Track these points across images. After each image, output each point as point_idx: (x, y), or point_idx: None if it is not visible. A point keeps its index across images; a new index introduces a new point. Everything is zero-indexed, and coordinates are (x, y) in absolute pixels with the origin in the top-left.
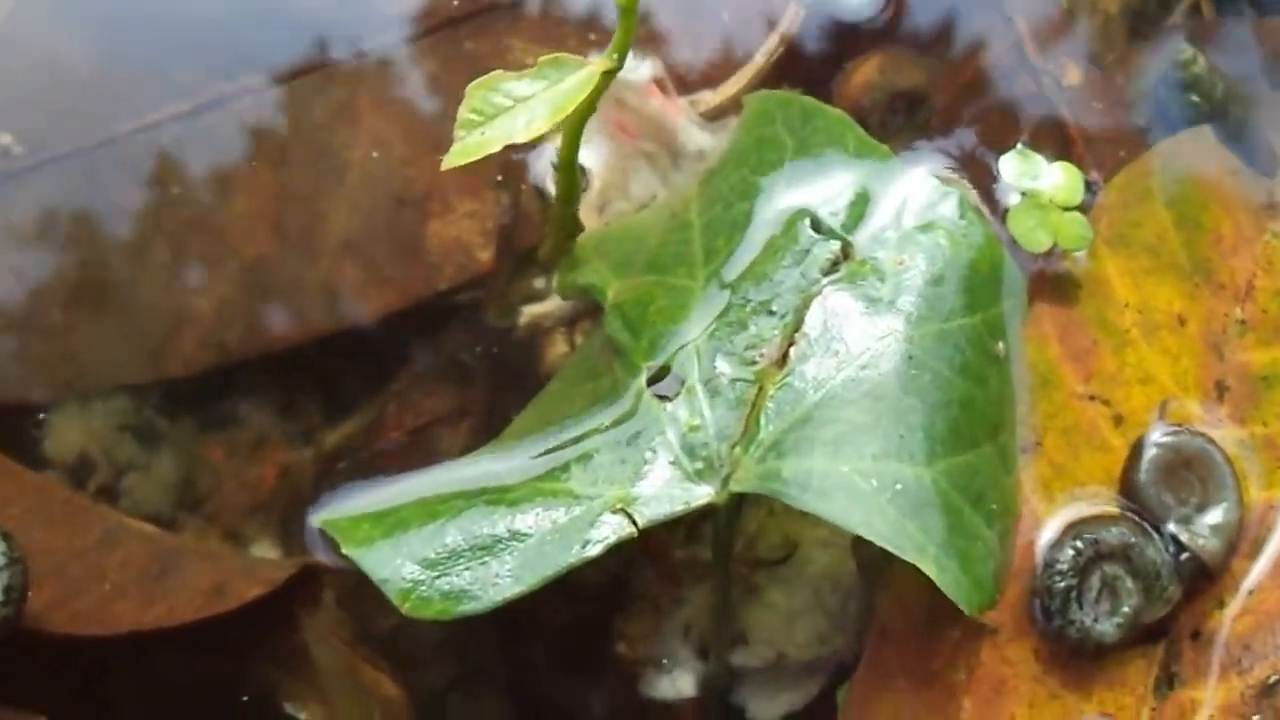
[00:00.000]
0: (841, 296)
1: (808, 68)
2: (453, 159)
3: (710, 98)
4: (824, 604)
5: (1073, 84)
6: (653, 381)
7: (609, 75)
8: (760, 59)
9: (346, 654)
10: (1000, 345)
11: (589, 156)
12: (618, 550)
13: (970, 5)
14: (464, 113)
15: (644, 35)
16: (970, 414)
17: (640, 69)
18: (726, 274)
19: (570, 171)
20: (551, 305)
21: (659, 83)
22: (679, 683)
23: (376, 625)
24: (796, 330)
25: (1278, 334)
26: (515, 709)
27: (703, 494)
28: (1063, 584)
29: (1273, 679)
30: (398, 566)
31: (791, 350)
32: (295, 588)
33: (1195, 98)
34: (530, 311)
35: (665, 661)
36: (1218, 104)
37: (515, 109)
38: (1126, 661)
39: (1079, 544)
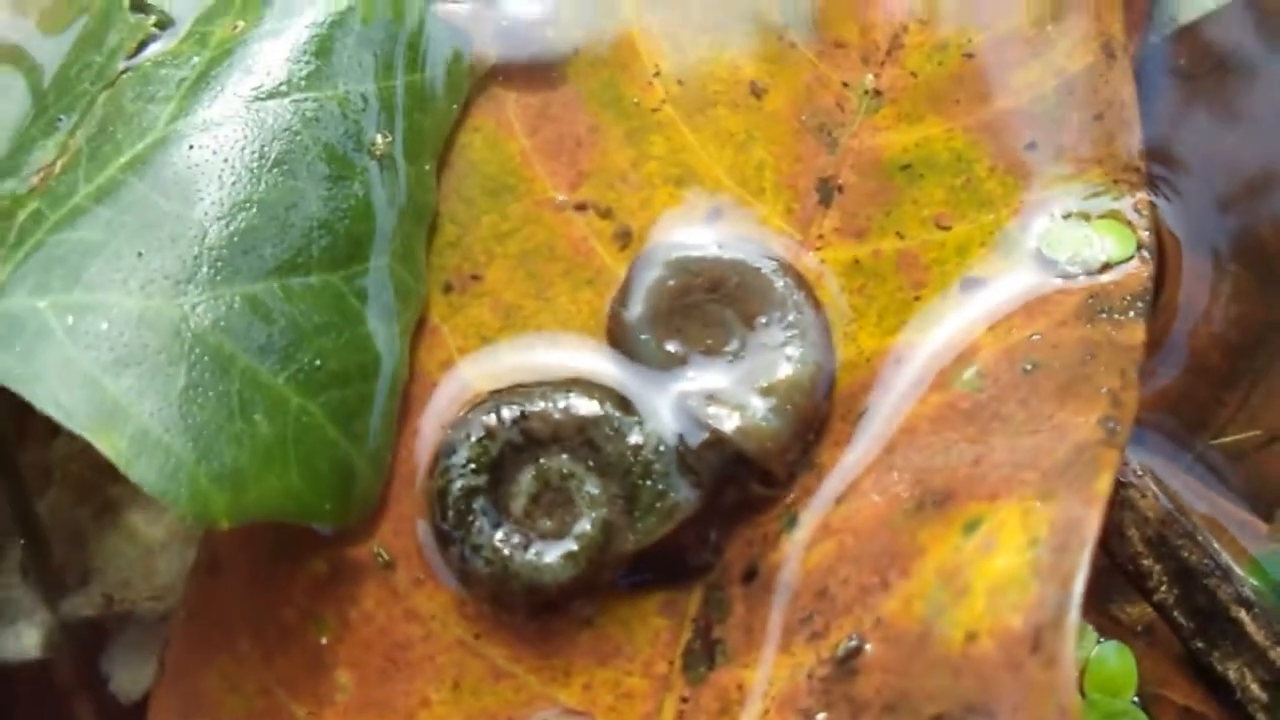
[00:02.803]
0: (135, 83)
1: None
2: None
3: None
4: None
5: None
6: None
7: None
8: None
9: None
10: (379, 138)
11: None
12: None
13: None
14: None
15: None
16: (294, 225)
17: None
18: (41, 83)
19: None
20: None
21: None
22: (24, 639)
23: None
24: (73, 136)
25: (932, 104)
26: None
27: None
28: (460, 484)
29: (847, 645)
30: None
31: (60, 163)
32: None
33: None
34: None
35: (6, 609)
36: None
37: None
38: (635, 620)
39: (490, 419)
